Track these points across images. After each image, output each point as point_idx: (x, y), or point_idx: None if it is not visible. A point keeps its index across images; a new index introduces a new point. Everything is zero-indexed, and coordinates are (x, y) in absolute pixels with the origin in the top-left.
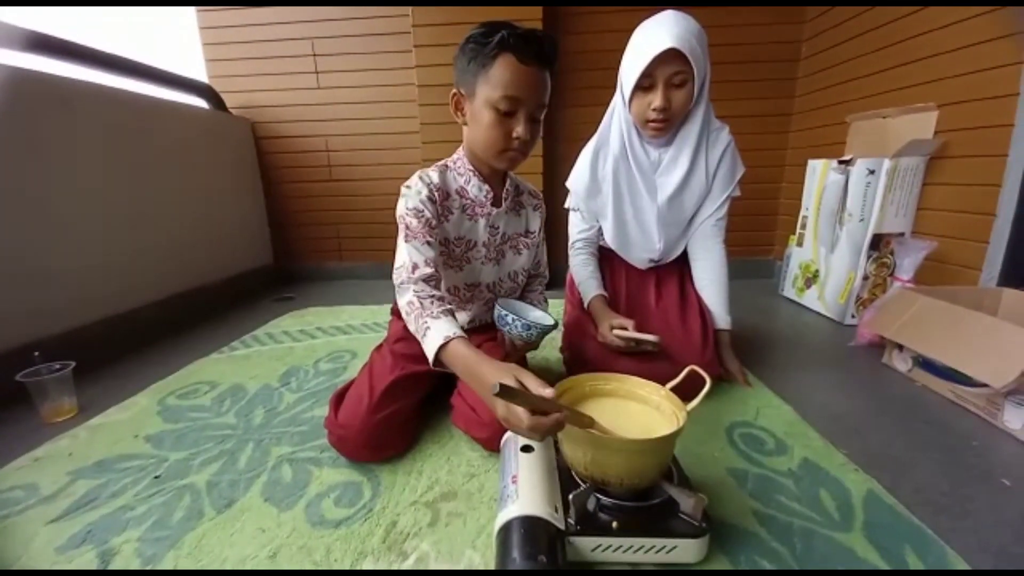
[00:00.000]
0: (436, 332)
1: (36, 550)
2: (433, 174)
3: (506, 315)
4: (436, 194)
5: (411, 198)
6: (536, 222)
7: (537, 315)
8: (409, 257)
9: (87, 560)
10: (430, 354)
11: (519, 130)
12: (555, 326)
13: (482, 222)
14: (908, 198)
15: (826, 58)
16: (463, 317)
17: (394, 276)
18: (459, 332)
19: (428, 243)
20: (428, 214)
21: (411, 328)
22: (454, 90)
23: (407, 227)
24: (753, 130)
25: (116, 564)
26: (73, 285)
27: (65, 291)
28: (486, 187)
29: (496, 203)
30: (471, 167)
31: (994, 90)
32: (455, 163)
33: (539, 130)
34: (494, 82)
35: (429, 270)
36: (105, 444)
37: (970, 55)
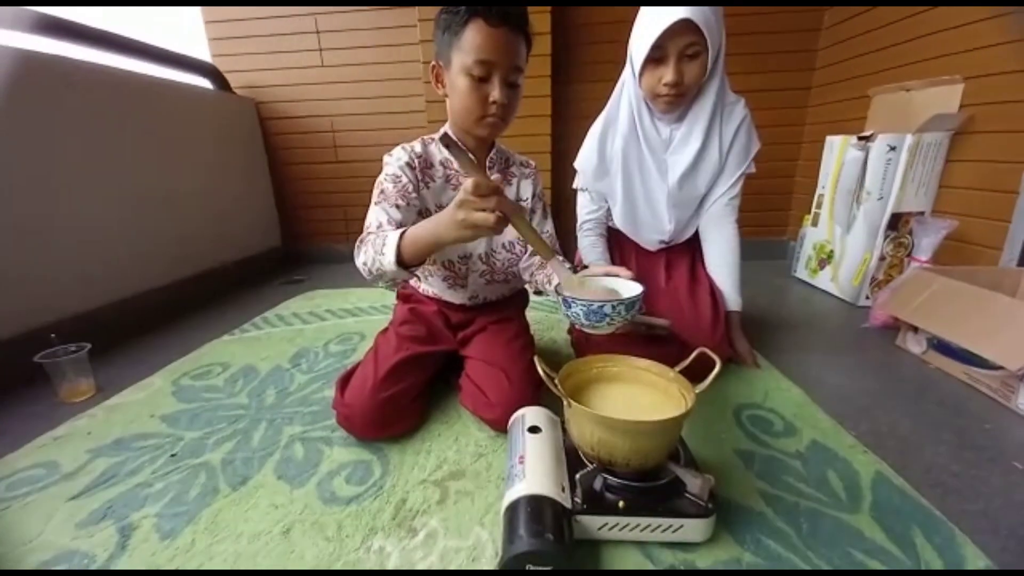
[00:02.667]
0: (392, 235)
1: (57, 526)
2: (416, 144)
3: (568, 299)
4: (416, 162)
5: (391, 165)
6: (528, 189)
7: (613, 287)
8: (375, 217)
9: (107, 535)
10: (392, 254)
11: (495, 94)
12: (638, 296)
13: None
14: (929, 176)
15: (849, 28)
16: (463, 294)
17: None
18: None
19: (397, 206)
20: (405, 179)
21: (370, 263)
22: (433, 63)
23: (382, 191)
24: (769, 105)
25: (135, 539)
26: (85, 269)
27: (79, 274)
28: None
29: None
30: (455, 139)
31: (1022, 63)
32: (441, 136)
33: (518, 96)
34: (466, 48)
35: (391, 228)
36: (122, 423)
37: (998, 25)
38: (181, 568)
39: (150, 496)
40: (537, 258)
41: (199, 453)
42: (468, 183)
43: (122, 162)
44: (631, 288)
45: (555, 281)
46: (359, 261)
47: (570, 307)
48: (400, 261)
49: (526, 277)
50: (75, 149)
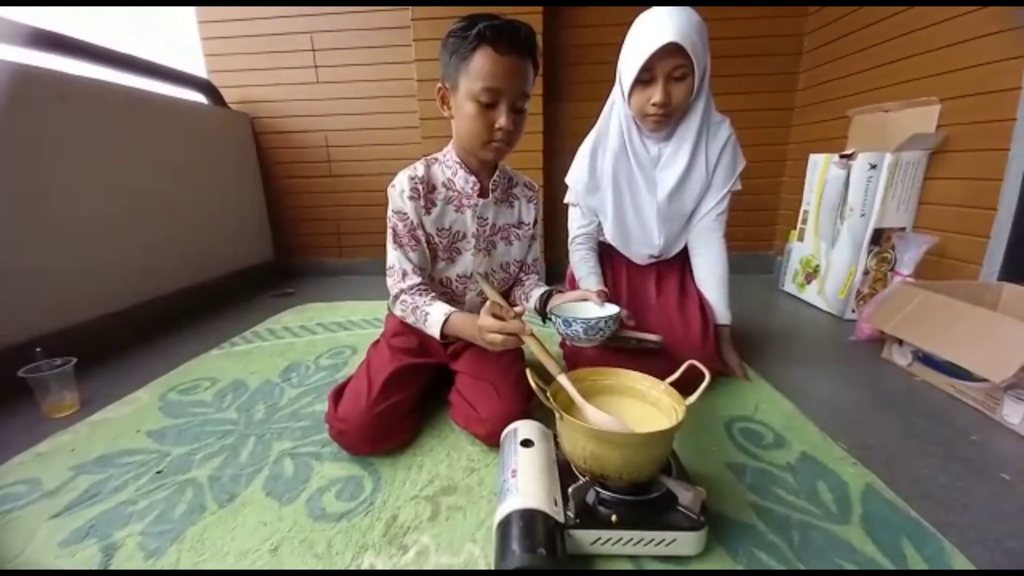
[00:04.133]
0: (435, 314)
1: (39, 544)
2: (419, 167)
3: (567, 319)
4: (420, 186)
5: (395, 199)
6: (530, 214)
7: (594, 310)
8: (398, 264)
9: (90, 554)
10: (436, 333)
11: (501, 121)
12: (616, 315)
13: (469, 213)
14: (909, 193)
15: (828, 52)
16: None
17: (387, 278)
18: (451, 310)
19: (413, 248)
20: (411, 215)
21: (410, 322)
22: (439, 84)
23: (394, 231)
24: (754, 124)
25: (119, 558)
26: (74, 281)
27: (66, 287)
28: (473, 178)
29: (483, 194)
30: (458, 160)
31: (996, 84)
32: (444, 156)
33: (524, 120)
34: (474, 75)
35: (417, 279)
36: (107, 439)
37: (973, 48)
38: None
39: (134, 514)
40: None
41: (186, 469)
42: (486, 321)
43: (114, 175)
44: (607, 308)
45: (532, 300)
46: (397, 311)
47: (570, 326)
48: (443, 337)
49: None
50: (67, 162)
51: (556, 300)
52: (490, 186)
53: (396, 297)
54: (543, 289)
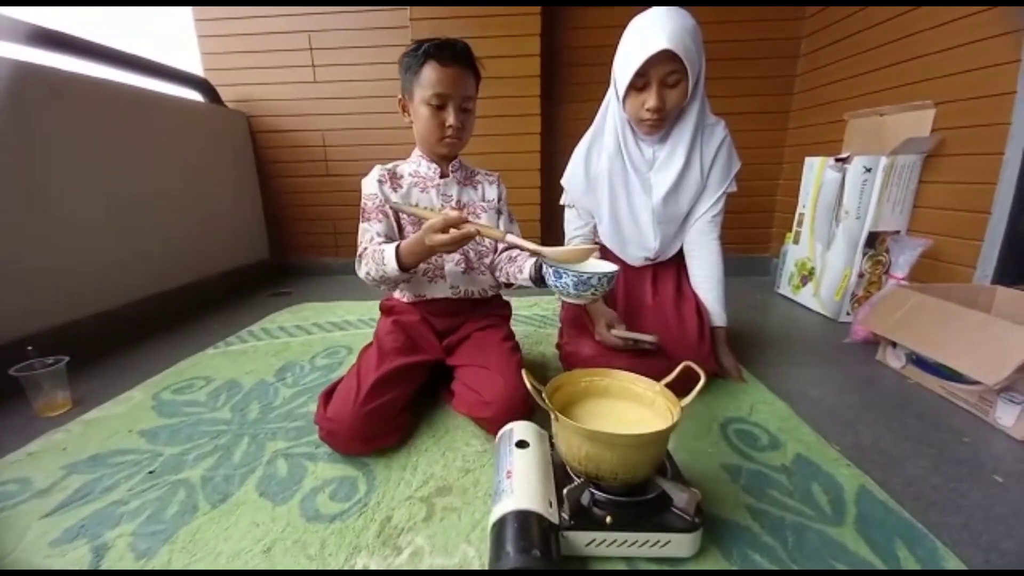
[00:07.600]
0: (388, 249)
1: (30, 544)
2: (389, 164)
3: (559, 269)
4: (387, 176)
5: (366, 185)
6: (493, 192)
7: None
8: (365, 234)
9: (81, 554)
10: (394, 264)
11: (450, 119)
12: (612, 274)
13: (433, 192)
14: (904, 196)
15: (824, 55)
16: (444, 286)
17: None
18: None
19: (379, 220)
20: (380, 197)
21: (373, 272)
22: (399, 96)
23: (363, 210)
24: (751, 127)
25: (110, 558)
26: (67, 279)
27: (59, 285)
28: (434, 166)
29: (444, 175)
30: (421, 155)
31: (991, 88)
32: (410, 157)
33: (470, 118)
34: (424, 84)
35: (380, 239)
36: (99, 439)
37: (968, 53)
38: None
39: (126, 514)
40: (506, 253)
41: (178, 469)
42: (427, 224)
43: (109, 172)
44: (605, 266)
45: (526, 270)
46: (362, 272)
47: (560, 277)
48: (402, 266)
49: (496, 274)
50: (60, 159)
51: (547, 251)
52: (449, 169)
53: (360, 257)
54: (534, 258)
